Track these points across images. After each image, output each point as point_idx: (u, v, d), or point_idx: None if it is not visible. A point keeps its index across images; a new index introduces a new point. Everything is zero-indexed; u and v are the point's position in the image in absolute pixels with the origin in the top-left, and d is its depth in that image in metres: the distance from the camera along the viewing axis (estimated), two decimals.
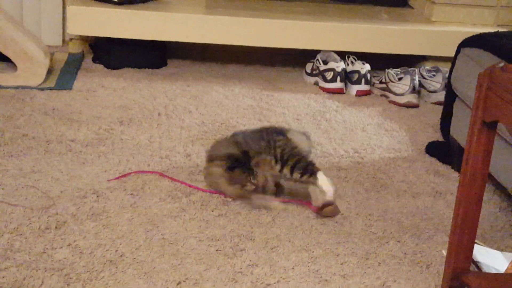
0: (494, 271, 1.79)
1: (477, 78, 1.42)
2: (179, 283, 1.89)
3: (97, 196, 2.30)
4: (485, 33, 2.73)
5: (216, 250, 2.06)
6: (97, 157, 2.59)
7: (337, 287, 1.93)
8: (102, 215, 2.19)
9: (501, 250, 2.00)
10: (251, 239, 2.13)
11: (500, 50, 2.43)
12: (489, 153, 1.45)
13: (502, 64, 1.40)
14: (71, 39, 3.81)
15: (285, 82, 3.67)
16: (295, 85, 3.64)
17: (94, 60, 3.69)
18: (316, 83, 3.65)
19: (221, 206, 2.31)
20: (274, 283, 1.93)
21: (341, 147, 2.87)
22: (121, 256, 1.99)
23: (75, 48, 3.81)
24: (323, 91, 3.56)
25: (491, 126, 1.42)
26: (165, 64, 3.76)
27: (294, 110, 3.26)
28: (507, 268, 1.73)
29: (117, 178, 2.44)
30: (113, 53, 3.63)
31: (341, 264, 2.03)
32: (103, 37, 3.63)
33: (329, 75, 3.54)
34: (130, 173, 2.47)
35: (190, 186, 2.42)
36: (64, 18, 3.82)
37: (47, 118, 2.89)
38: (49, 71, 3.38)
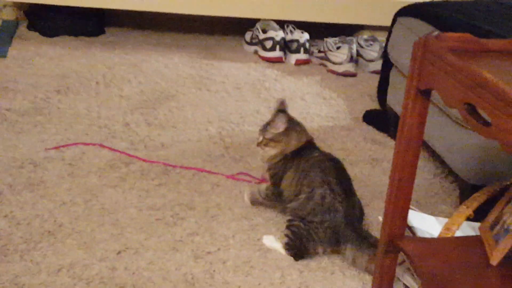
0: (428, 236, 1.84)
1: (412, 47, 1.44)
2: (119, 252, 1.89)
3: (34, 166, 2.27)
4: (420, 3, 2.76)
5: (156, 219, 2.06)
6: (33, 126, 2.55)
7: (277, 255, 1.95)
8: (39, 185, 2.17)
9: (435, 215, 2.05)
10: (191, 208, 2.14)
11: (435, 19, 2.47)
12: (424, 121, 1.48)
13: (436, 33, 1.43)
14: (4, 6, 3.70)
15: (224, 50, 3.66)
16: (235, 54, 3.63)
17: (29, 27, 3.61)
18: (256, 52, 3.65)
19: (161, 175, 2.31)
20: (215, 251, 1.94)
21: None
22: (59, 226, 1.97)
23: (9, 14, 3.71)
24: (263, 60, 3.57)
25: (426, 94, 1.45)
26: (102, 32, 3.70)
27: (233, 79, 3.26)
28: (440, 233, 1.77)
29: (55, 147, 2.40)
30: (49, 20, 3.55)
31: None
32: (39, 4, 3.54)
33: (268, 44, 3.55)
34: (69, 145, 2.44)
35: (129, 155, 2.41)
36: None
37: None
38: None
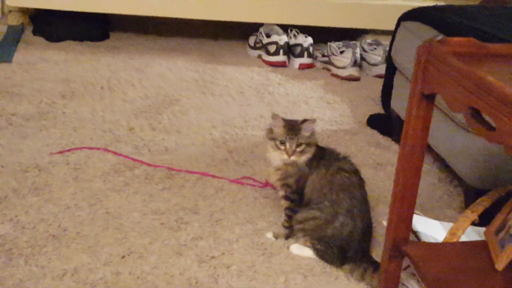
0: (432, 241, 1.83)
1: (416, 51, 1.44)
2: (123, 256, 1.89)
3: (39, 171, 2.27)
4: (424, 7, 2.76)
5: (161, 224, 2.06)
6: (38, 131, 2.56)
7: (281, 259, 1.95)
8: (44, 189, 2.17)
9: (440, 220, 2.04)
10: (195, 212, 2.14)
11: (439, 23, 2.47)
12: (428, 125, 1.48)
13: (440, 37, 1.43)
14: (10, 11, 3.72)
15: (228, 55, 3.66)
16: (239, 58, 3.63)
17: (35, 32, 3.62)
18: (259, 56, 3.65)
19: (165, 179, 2.31)
20: (219, 255, 1.94)
21: None
22: (64, 230, 1.97)
23: (14, 20, 3.72)
24: (266, 64, 3.57)
25: (430, 98, 1.45)
26: (107, 36, 3.72)
27: (237, 83, 3.26)
28: (445, 238, 1.77)
29: (60, 152, 2.41)
30: (54, 25, 3.56)
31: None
32: (44, 9, 3.55)
33: (272, 48, 3.55)
34: (74, 149, 2.44)
35: (133, 159, 2.41)
36: None
37: None
38: None
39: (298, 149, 1.98)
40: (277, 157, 2.01)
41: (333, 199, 1.94)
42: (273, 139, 2.01)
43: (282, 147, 1.98)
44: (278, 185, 2.06)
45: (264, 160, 2.49)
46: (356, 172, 2.00)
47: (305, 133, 1.99)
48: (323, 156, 2.03)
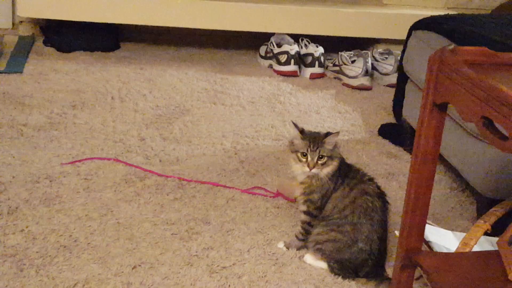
0: (445, 251, 1.82)
1: (428, 60, 1.44)
2: (134, 267, 1.88)
3: (50, 181, 2.27)
4: (435, 16, 2.76)
5: (172, 234, 2.05)
6: (49, 141, 2.56)
7: (293, 270, 1.94)
8: (55, 200, 2.17)
9: (452, 230, 2.03)
10: (206, 222, 2.13)
11: (450, 32, 2.47)
12: (440, 135, 1.47)
13: (452, 47, 1.42)
14: (21, 22, 3.74)
15: (239, 65, 3.66)
16: (250, 68, 3.64)
17: (45, 43, 3.63)
18: (270, 66, 3.65)
19: (176, 189, 2.31)
20: (230, 265, 1.93)
21: None
22: (75, 241, 1.97)
23: (25, 30, 3.74)
24: (277, 74, 3.57)
25: (442, 107, 1.44)
26: (118, 47, 3.72)
27: (248, 93, 3.26)
28: (457, 248, 1.76)
29: (71, 162, 2.41)
30: (64, 36, 3.58)
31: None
32: (54, 20, 3.57)
33: (283, 58, 3.55)
34: (85, 159, 2.44)
35: (144, 170, 2.41)
36: (13, 0, 3.75)
37: None
38: None
39: (320, 162, 1.94)
40: (299, 169, 1.98)
41: (354, 223, 1.92)
42: (295, 151, 1.97)
43: (304, 159, 1.95)
44: (301, 200, 2.02)
45: (275, 171, 2.49)
46: (381, 195, 1.98)
47: (328, 146, 1.95)
48: (348, 174, 2.00)
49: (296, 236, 2.04)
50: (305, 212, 2.02)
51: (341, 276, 1.92)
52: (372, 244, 1.91)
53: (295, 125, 1.99)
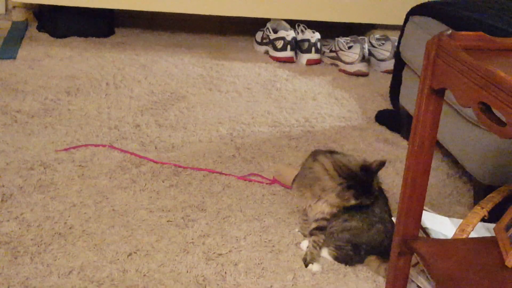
0: (442, 237, 1.82)
1: (425, 46, 1.42)
2: (130, 254, 1.87)
3: (45, 168, 2.26)
4: (432, 1, 2.74)
5: (167, 221, 2.05)
6: (43, 128, 2.55)
7: (289, 256, 1.94)
8: (50, 187, 2.16)
9: (449, 216, 2.03)
10: (202, 209, 2.13)
11: (448, 17, 2.45)
12: (437, 121, 1.46)
13: (449, 32, 1.41)
14: (14, 7, 3.71)
15: (235, 51, 3.65)
16: (246, 54, 3.62)
17: (39, 28, 3.61)
18: (267, 52, 3.63)
19: (172, 176, 2.30)
20: (226, 253, 1.93)
21: (292, 116, 2.87)
22: (70, 228, 1.96)
23: (18, 16, 3.71)
24: (274, 60, 3.55)
25: (439, 93, 1.43)
26: (112, 32, 3.70)
27: (244, 79, 3.25)
28: (454, 234, 1.75)
29: (66, 149, 2.40)
30: (58, 21, 3.55)
31: (293, 233, 2.04)
32: (48, 5, 3.54)
33: (279, 44, 3.53)
34: (79, 146, 2.43)
35: (140, 156, 2.40)
36: None
37: None
38: None
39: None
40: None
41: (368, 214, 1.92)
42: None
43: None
44: (318, 217, 1.96)
45: (272, 157, 2.48)
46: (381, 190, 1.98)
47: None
48: None
49: (310, 251, 1.95)
50: (317, 228, 1.97)
51: (348, 263, 1.91)
52: (386, 224, 1.91)
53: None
